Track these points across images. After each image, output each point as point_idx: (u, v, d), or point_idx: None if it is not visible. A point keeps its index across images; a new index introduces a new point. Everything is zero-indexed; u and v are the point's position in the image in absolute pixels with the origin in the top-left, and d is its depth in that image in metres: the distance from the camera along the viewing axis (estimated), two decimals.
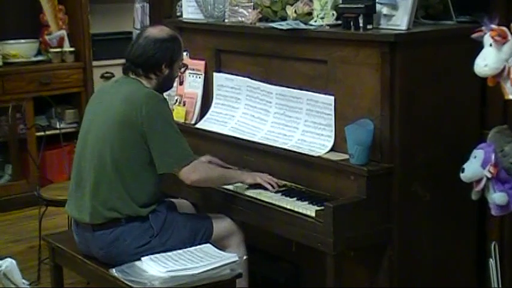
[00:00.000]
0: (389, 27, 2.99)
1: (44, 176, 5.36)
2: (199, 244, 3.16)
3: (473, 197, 2.75)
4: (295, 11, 3.34)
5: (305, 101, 3.25)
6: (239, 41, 3.60)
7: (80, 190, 3.16)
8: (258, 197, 3.15)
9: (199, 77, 3.83)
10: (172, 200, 3.44)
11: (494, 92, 2.78)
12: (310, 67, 3.25)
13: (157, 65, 3.16)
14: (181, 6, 4.13)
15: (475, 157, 2.70)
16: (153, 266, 2.98)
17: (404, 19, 2.94)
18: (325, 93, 3.15)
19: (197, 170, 3.11)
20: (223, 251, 3.16)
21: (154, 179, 3.12)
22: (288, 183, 3.23)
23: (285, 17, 3.43)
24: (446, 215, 3.13)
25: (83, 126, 3.25)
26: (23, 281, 2.66)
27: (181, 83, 3.89)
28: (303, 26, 3.22)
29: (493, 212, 2.73)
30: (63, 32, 5.69)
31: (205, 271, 2.97)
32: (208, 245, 3.16)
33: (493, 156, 2.66)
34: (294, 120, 3.30)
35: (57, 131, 5.05)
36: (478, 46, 2.55)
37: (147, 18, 4.79)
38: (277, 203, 3.06)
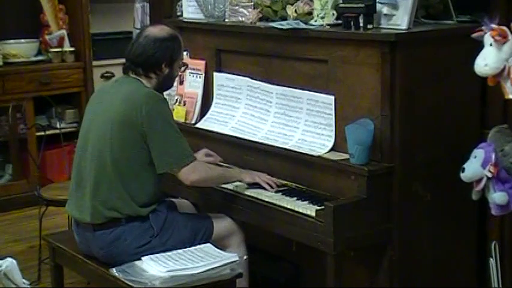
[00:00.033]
0: (390, 27, 2.99)
1: (44, 176, 5.35)
2: (200, 244, 3.16)
3: (474, 196, 2.75)
4: (295, 11, 3.34)
5: (305, 101, 3.25)
6: (239, 40, 3.60)
7: (80, 190, 3.16)
8: (259, 197, 3.15)
9: (200, 77, 3.83)
10: (173, 199, 3.44)
11: (495, 92, 2.78)
12: (310, 67, 3.25)
13: (157, 64, 3.16)
14: (181, 6, 4.13)
15: (475, 157, 2.70)
16: (153, 266, 2.98)
17: (404, 19, 2.94)
18: (326, 93, 3.15)
19: (197, 170, 3.10)
20: (224, 250, 3.16)
21: (154, 179, 3.12)
22: (288, 183, 3.23)
23: (285, 16, 3.43)
24: (446, 214, 3.12)
25: (83, 126, 3.25)
26: (24, 280, 2.67)
27: (181, 83, 3.89)
28: (303, 25, 3.22)
29: (493, 212, 2.73)
30: (63, 32, 5.69)
31: (205, 271, 2.97)
32: (208, 244, 3.16)
33: (493, 156, 2.66)
34: (295, 120, 3.30)
35: (58, 131, 5.04)
36: (478, 46, 2.55)
37: (147, 18, 4.79)
38: (277, 202, 3.06)
